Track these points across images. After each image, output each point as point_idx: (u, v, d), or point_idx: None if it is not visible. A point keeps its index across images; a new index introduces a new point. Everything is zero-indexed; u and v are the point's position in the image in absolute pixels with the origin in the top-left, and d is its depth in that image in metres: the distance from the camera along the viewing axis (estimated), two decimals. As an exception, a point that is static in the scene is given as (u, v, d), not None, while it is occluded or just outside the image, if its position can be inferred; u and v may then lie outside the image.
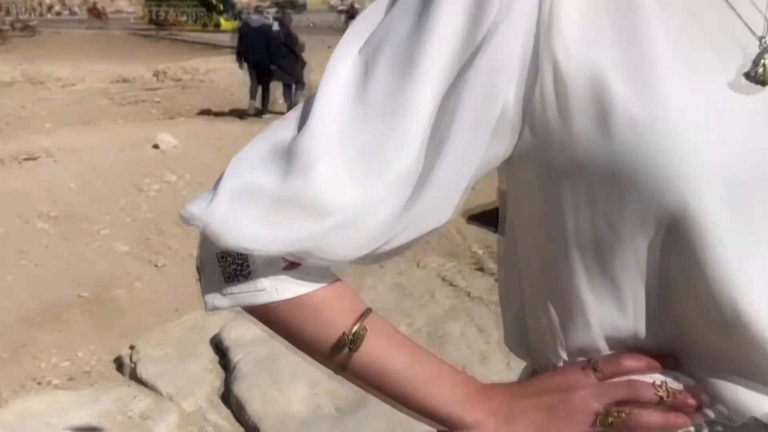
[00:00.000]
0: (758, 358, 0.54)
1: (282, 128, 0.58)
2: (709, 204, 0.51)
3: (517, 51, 0.54)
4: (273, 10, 56.35)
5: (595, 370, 0.60)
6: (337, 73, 0.57)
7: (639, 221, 0.54)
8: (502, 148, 0.58)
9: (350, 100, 0.56)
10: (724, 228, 0.52)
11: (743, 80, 0.54)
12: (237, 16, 51.81)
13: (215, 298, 0.60)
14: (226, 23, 48.98)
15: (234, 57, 11.95)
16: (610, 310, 0.58)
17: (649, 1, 0.54)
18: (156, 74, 17.40)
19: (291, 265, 0.58)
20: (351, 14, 55.20)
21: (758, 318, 0.53)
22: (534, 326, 0.66)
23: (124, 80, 16.83)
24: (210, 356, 3.38)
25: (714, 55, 0.55)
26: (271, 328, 0.62)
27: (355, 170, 0.55)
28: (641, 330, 0.58)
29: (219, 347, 3.39)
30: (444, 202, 0.58)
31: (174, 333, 3.64)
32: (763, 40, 0.55)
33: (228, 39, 39.43)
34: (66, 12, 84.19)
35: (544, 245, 0.62)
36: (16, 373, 3.69)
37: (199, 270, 0.62)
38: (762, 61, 0.54)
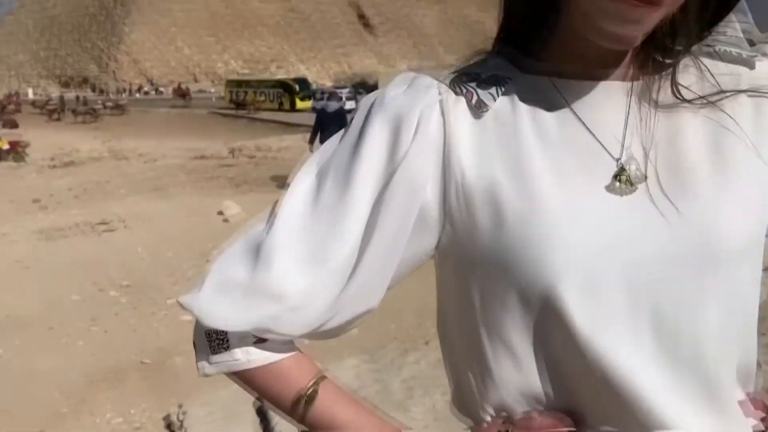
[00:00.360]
0: (637, 414, 0.69)
1: (256, 227, 0.75)
2: (570, 286, 0.67)
3: (431, 166, 0.72)
4: (346, 90, 58.52)
5: (512, 424, 0.73)
6: (298, 186, 0.75)
7: (524, 301, 0.69)
8: (428, 242, 0.74)
9: (306, 208, 0.73)
10: (582, 305, 0.67)
11: (605, 191, 0.71)
12: (312, 96, 54.38)
13: (205, 366, 0.77)
14: (301, 104, 51.19)
15: (307, 136, 12.40)
16: (516, 374, 0.72)
17: (528, 131, 0.73)
18: (231, 151, 18.24)
19: (259, 340, 0.74)
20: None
21: (622, 379, 0.68)
22: (465, 390, 0.78)
23: (202, 156, 17.81)
24: (252, 419, 3.55)
25: (582, 172, 0.71)
26: (248, 388, 0.79)
27: (306, 264, 0.71)
28: (547, 390, 0.72)
29: (261, 411, 3.55)
30: (372, 289, 0.74)
31: (221, 396, 3.82)
32: (619, 161, 0.72)
33: (302, 118, 41.25)
34: (153, 92, 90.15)
35: (462, 321, 0.76)
36: (73, 428, 3.93)
37: (194, 345, 0.78)
38: (619, 176, 0.71)
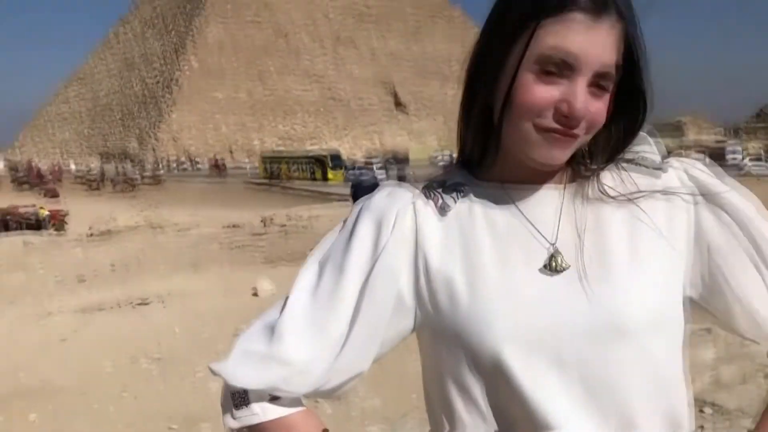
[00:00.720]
0: None
1: (272, 312, 0.97)
2: (511, 352, 0.87)
3: (405, 257, 0.94)
4: (377, 160, 59.28)
5: None
6: (304, 276, 0.97)
7: (477, 364, 0.89)
8: (406, 323, 0.96)
9: (308, 296, 0.95)
10: (522, 366, 0.87)
11: (539, 273, 0.90)
12: (344, 167, 55.38)
13: (229, 421, 0.95)
14: (333, 174, 52.10)
15: (337, 206, 12.61)
16: (478, 420, 0.92)
17: (482, 224, 0.94)
18: (263, 221, 18.56)
19: (273, 398, 0.94)
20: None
21: (558, 423, 0.87)
22: (438, 424, 0.98)
23: (234, 226, 18.12)
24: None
25: (522, 257, 0.91)
26: None
27: (308, 339, 0.93)
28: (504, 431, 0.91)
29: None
30: (360, 359, 0.94)
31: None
32: (553, 246, 0.91)
33: (334, 189, 41.86)
34: (190, 165, 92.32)
35: (436, 378, 0.96)
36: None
37: (222, 405, 0.97)
38: (551, 260, 0.90)
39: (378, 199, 0.98)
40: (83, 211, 30.37)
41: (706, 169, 1.00)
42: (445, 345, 0.93)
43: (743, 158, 67.13)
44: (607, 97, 0.90)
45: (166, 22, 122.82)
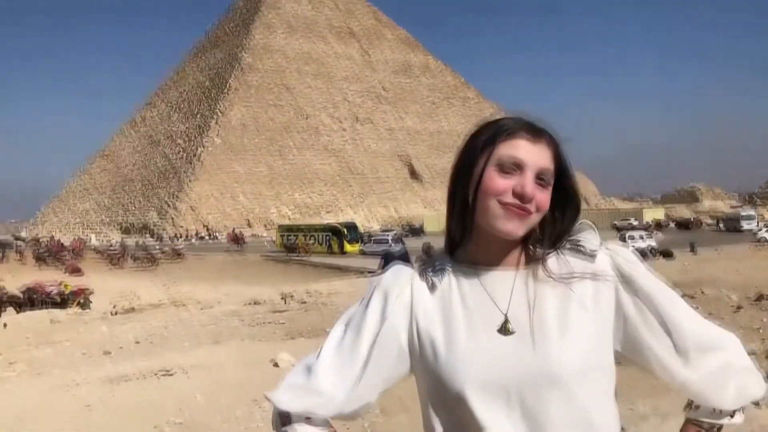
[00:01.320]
0: None
1: (310, 357, 1.37)
2: (472, 392, 1.26)
3: (404, 322, 1.35)
4: (392, 233, 59.39)
5: None
6: (334, 333, 1.39)
7: (450, 399, 1.28)
8: (404, 367, 1.37)
9: (336, 346, 1.36)
10: (481, 404, 1.25)
11: (496, 333, 1.30)
12: (361, 240, 55.82)
13: None
14: (350, 247, 52.52)
15: (355, 280, 12.90)
16: None
17: (457, 298, 1.34)
18: (284, 297, 18.81)
19: (308, 420, 1.32)
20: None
21: None
22: None
23: (255, 302, 18.41)
24: None
25: (485, 322, 1.31)
26: None
27: (335, 377, 1.32)
28: None
29: None
30: (370, 392, 1.34)
31: None
32: (505, 315, 1.31)
33: (351, 262, 42.11)
34: (208, 237, 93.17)
35: (425, 408, 1.35)
36: None
37: (272, 423, 1.36)
38: (504, 325, 1.30)
39: (387, 277, 1.40)
40: (106, 286, 30.85)
41: (628, 256, 1.39)
42: (429, 383, 1.33)
43: (758, 225, 66.92)
44: (548, 190, 1.33)
45: (191, 106, 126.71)
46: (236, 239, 66.77)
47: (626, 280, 1.36)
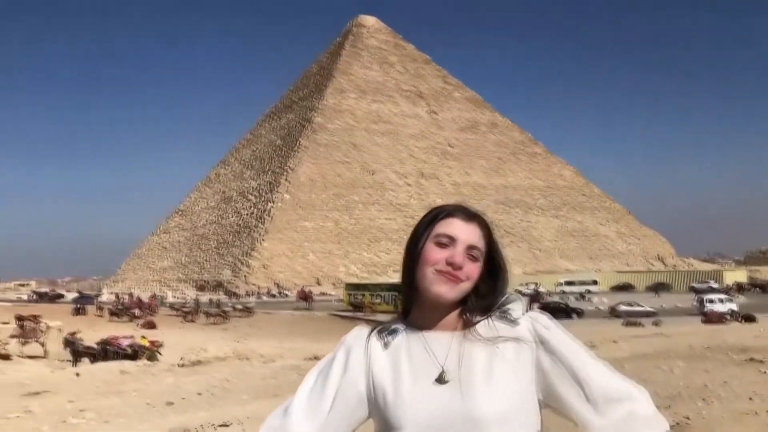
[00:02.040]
0: None
1: (289, 401, 1.65)
2: (410, 430, 1.55)
3: (361, 374, 1.63)
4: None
5: None
6: (307, 381, 1.67)
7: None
8: (363, 412, 1.64)
9: (308, 393, 1.65)
10: None
11: (433, 383, 1.57)
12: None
13: None
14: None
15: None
16: None
17: (405, 355, 1.63)
18: (344, 353, 18.92)
19: None
20: (533, 298, 57.03)
21: None
22: None
23: (316, 357, 18.58)
24: None
25: (425, 374, 1.59)
26: None
27: (306, 419, 1.60)
28: None
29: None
30: None
31: None
32: (443, 368, 1.58)
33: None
34: (278, 295, 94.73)
35: None
36: None
37: None
38: (440, 376, 1.57)
39: (350, 337, 1.72)
40: (177, 341, 31.73)
41: (545, 322, 1.67)
42: (380, 425, 1.60)
43: None
44: (478, 264, 1.65)
45: (263, 164, 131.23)
46: (305, 297, 67.86)
47: (543, 342, 1.64)
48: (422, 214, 1.79)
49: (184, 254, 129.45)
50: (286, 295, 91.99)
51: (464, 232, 1.64)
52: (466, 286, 1.62)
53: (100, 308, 59.30)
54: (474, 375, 1.57)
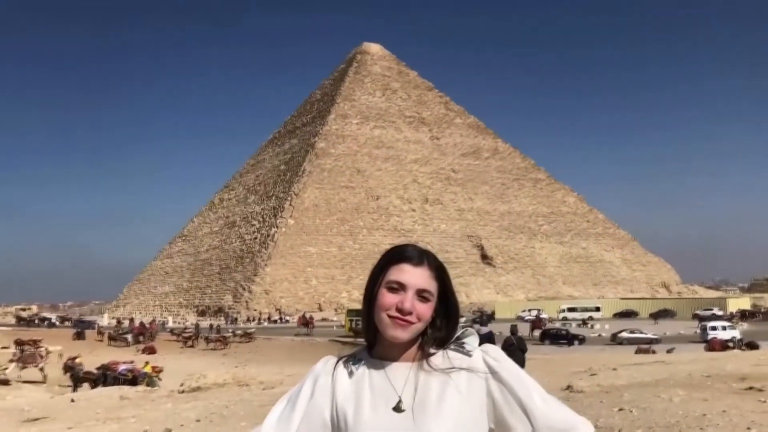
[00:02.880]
0: None
1: (259, 427, 1.84)
2: None
3: (326, 401, 1.82)
4: (462, 319, 58.43)
5: None
6: (277, 407, 1.88)
7: None
8: None
9: (277, 418, 1.84)
10: None
11: (392, 411, 1.76)
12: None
13: None
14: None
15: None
16: None
17: (367, 384, 1.81)
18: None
19: None
20: (535, 324, 56.62)
21: None
22: None
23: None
24: None
25: (383, 402, 1.78)
26: None
27: None
28: None
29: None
30: None
31: None
32: (400, 397, 1.77)
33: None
34: (279, 320, 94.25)
35: None
36: None
37: None
38: (397, 405, 1.76)
39: (318, 366, 1.88)
40: (177, 366, 31.61)
41: (496, 354, 1.83)
42: None
43: None
44: (430, 304, 1.81)
45: (267, 189, 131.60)
46: (306, 323, 67.70)
47: (493, 373, 1.79)
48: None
49: (186, 279, 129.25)
50: (287, 321, 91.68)
51: (414, 277, 1.79)
52: (419, 326, 1.78)
53: (101, 333, 59.24)
54: (428, 404, 1.74)
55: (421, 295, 1.78)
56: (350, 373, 1.83)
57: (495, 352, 1.84)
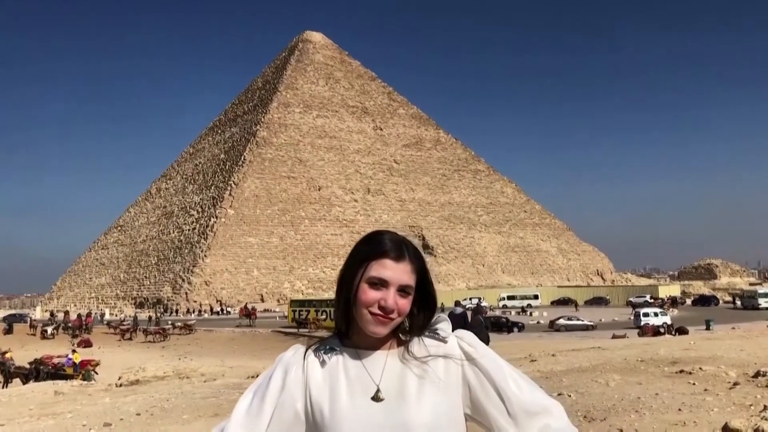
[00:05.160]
0: None
1: (225, 421, 1.77)
2: None
3: (299, 391, 1.77)
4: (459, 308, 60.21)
5: None
6: (243, 400, 1.79)
7: None
8: (301, 430, 1.77)
9: (245, 411, 1.76)
10: None
11: (370, 400, 1.75)
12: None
13: None
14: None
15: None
16: None
17: (342, 373, 1.79)
18: (287, 370, 18.79)
19: None
20: (476, 311, 57.59)
21: None
22: None
23: (258, 376, 18.37)
24: None
25: (361, 392, 1.76)
26: None
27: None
28: None
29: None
30: None
31: None
32: (378, 386, 1.76)
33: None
34: (220, 312, 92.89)
35: None
36: None
37: None
38: (376, 394, 1.76)
39: (288, 355, 1.83)
40: (115, 360, 30.84)
41: (470, 340, 1.85)
42: None
43: None
44: (410, 298, 1.80)
45: (206, 178, 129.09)
46: (247, 314, 66.84)
47: (469, 359, 1.81)
48: (370, 230, 1.93)
49: (123, 270, 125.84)
50: (229, 312, 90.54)
51: (396, 273, 1.77)
52: (398, 320, 1.79)
53: (33, 326, 57.14)
54: (406, 392, 1.74)
55: (402, 290, 1.77)
56: (322, 362, 1.79)
57: (470, 338, 1.86)
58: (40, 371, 23.99)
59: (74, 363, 25.85)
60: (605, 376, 13.08)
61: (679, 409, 9.56)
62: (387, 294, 1.75)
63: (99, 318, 77.02)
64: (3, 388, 23.44)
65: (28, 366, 25.22)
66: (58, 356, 26.79)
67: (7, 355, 27.57)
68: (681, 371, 13.16)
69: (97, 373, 24.61)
